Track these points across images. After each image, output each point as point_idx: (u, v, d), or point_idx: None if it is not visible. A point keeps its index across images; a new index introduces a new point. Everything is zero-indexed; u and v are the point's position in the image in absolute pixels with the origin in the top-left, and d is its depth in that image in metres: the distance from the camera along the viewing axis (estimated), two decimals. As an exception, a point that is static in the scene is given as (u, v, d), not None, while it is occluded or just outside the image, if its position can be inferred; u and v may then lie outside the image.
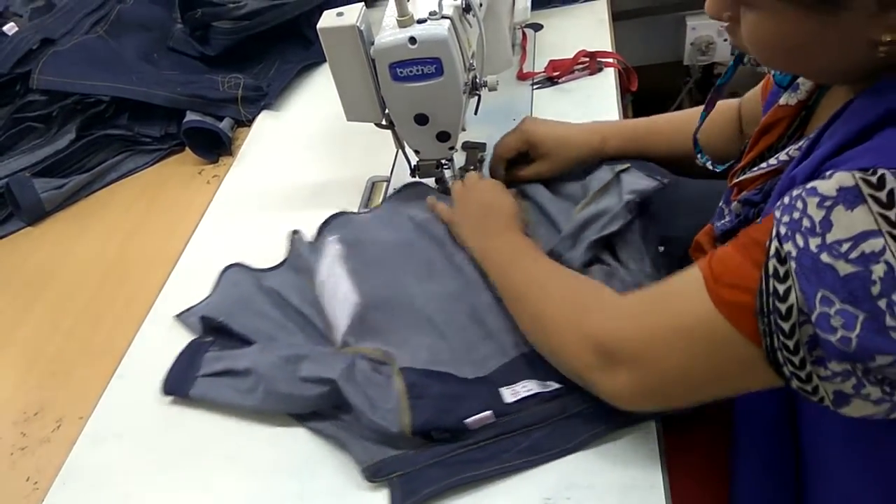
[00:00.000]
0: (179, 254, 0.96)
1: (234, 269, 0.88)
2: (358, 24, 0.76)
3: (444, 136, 0.83)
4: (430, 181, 0.92)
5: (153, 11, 1.31)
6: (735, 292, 0.48)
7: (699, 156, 0.74)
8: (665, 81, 1.74)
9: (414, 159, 0.89)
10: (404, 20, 0.74)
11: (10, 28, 1.19)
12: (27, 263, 1.03)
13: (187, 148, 1.15)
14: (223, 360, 0.75)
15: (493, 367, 0.70)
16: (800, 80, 0.61)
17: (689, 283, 0.51)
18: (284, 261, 0.87)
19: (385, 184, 0.98)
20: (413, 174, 0.91)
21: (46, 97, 1.12)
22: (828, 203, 0.43)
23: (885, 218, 0.42)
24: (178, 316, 0.84)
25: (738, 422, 0.67)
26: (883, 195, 0.42)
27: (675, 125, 0.85)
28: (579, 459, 0.61)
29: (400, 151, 0.90)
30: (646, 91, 1.16)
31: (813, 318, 0.44)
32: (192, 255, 0.92)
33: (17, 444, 0.77)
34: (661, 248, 0.91)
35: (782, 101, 0.62)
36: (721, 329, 0.49)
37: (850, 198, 0.43)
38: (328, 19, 0.78)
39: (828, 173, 0.44)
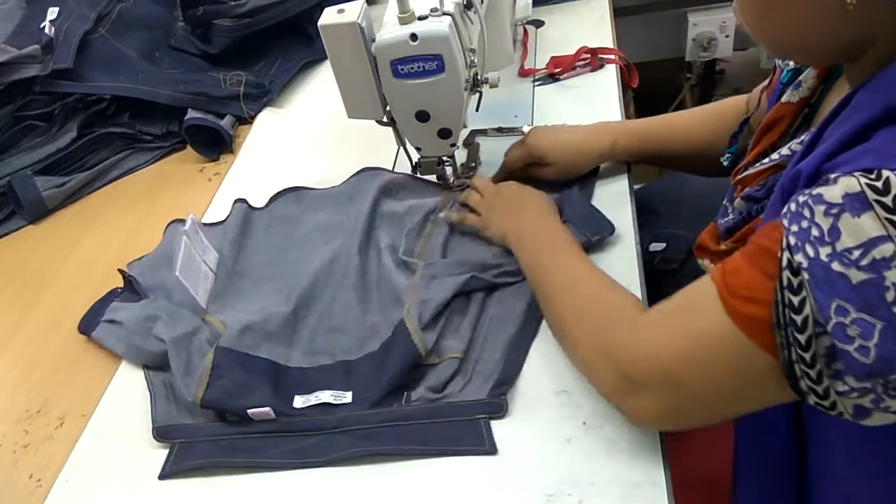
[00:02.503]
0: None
1: (175, 224, 0.96)
2: (359, 20, 0.76)
3: (445, 133, 0.83)
4: (432, 178, 0.92)
5: (155, 10, 1.31)
6: (750, 305, 0.47)
7: (728, 154, 0.74)
8: (667, 78, 1.74)
9: (415, 156, 0.89)
10: (405, 17, 0.74)
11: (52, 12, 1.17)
12: (29, 261, 1.04)
13: (188, 146, 1.15)
14: (116, 310, 0.84)
15: (316, 363, 0.75)
16: (802, 77, 0.61)
17: (705, 299, 0.50)
18: (225, 220, 0.95)
19: (386, 181, 0.98)
20: (414, 171, 0.91)
21: (48, 95, 1.12)
22: (834, 210, 0.43)
23: (893, 223, 0.41)
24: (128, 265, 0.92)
25: (740, 424, 0.66)
26: (889, 200, 0.41)
27: (699, 121, 0.84)
28: (581, 456, 0.61)
29: (401, 148, 0.90)
30: (647, 87, 1.16)
31: (829, 328, 0.43)
32: (193, 253, 0.92)
33: (20, 441, 0.77)
34: (664, 246, 0.91)
35: (784, 98, 0.62)
36: (740, 343, 0.48)
37: (856, 204, 0.42)
38: (329, 16, 0.78)
39: (832, 177, 0.43)
